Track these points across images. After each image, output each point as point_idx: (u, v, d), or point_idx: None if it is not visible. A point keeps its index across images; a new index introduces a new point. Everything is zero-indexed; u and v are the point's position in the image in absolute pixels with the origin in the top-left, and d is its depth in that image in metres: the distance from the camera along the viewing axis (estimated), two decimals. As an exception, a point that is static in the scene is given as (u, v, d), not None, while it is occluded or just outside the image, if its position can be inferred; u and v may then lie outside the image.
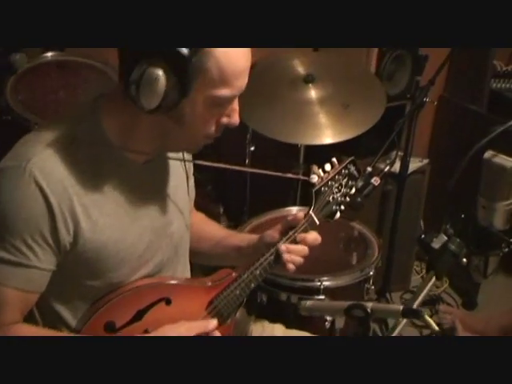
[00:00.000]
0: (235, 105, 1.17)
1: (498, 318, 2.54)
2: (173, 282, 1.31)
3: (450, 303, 2.97)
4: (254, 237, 1.45)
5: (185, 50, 1.02)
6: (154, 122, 1.14)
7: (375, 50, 2.56)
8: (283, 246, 1.34)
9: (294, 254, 1.34)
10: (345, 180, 1.47)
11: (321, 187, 1.42)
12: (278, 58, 2.33)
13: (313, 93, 2.29)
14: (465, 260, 1.11)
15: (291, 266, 1.34)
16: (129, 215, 1.23)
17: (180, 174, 1.37)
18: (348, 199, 1.48)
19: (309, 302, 1.18)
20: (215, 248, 1.50)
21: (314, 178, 1.42)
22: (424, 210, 2.92)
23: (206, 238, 1.51)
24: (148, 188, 1.27)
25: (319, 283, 1.90)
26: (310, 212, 1.40)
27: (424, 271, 3.14)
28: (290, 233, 1.37)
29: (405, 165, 2.47)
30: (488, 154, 1.09)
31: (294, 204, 2.54)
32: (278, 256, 1.34)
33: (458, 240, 1.08)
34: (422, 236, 1.08)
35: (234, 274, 1.34)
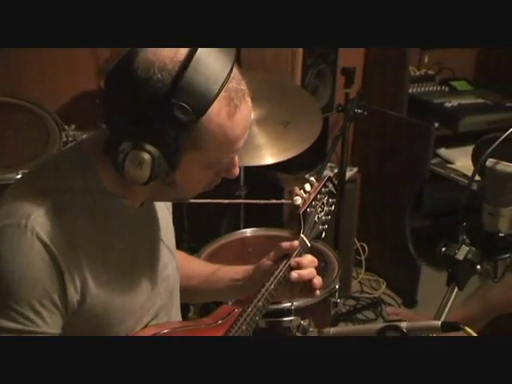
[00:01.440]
0: (235, 160, 1.12)
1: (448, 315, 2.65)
2: (178, 328, 1.24)
3: (390, 303, 3.06)
4: (249, 268, 1.41)
5: (172, 132, 0.97)
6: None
7: (299, 66, 2.59)
8: (294, 274, 1.30)
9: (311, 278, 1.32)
10: (325, 198, 1.46)
11: (306, 209, 1.40)
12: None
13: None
14: (478, 267, 1.13)
15: (318, 293, 1.33)
16: (130, 263, 1.16)
17: (164, 213, 1.31)
18: (330, 217, 1.47)
19: (333, 329, 1.15)
20: (204, 284, 1.44)
21: (298, 200, 1.40)
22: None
23: (194, 275, 1.44)
24: (144, 231, 1.21)
25: (290, 304, 1.88)
26: (302, 235, 1.37)
27: (361, 276, 3.23)
28: (285, 261, 1.33)
29: (342, 175, 2.53)
30: (490, 163, 1.12)
31: (237, 227, 2.51)
32: (279, 285, 1.31)
33: (474, 249, 1.10)
34: (443, 249, 1.10)
35: (236, 310, 1.29)
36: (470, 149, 3.02)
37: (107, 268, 1.09)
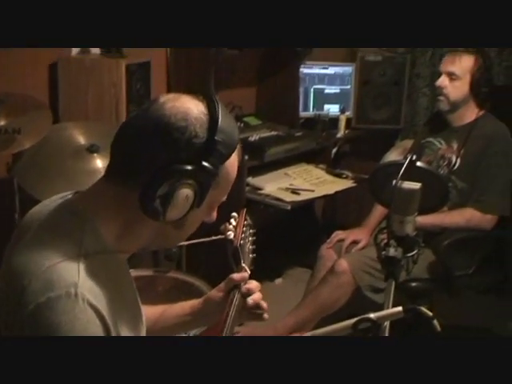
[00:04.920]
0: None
1: (283, 322, 2.99)
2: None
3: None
4: (195, 302, 1.50)
5: (213, 169, 1.10)
6: (156, 227, 1.15)
7: (123, 113, 2.70)
8: (250, 301, 1.46)
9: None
10: (248, 230, 1.67)
11: (240, 241, 1.59)
12: (57, 132, 2.31)
13: (99, 162, 2.34)
14: (402, 262, 1.48)
15: (266, 316, 1.49)
16: (134, 319, 1.23)
17: None
18: (255, 246, 1.68)
19: (310, 333, 1.35)
20: (154, 326, 1.49)
21: (231, 235, 1.58)
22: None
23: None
24: (132, 282, 1.28)
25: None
26: (243, 265, 1.56)
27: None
28: (237, 290, 1.48)
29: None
30: (398, 183, 1.48)
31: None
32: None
33: (400, 248, 1.44)
34: (383, 252, 1.41)
35: None
36: (272, 175, 3.44)
37: (128, 324, 1.16)
